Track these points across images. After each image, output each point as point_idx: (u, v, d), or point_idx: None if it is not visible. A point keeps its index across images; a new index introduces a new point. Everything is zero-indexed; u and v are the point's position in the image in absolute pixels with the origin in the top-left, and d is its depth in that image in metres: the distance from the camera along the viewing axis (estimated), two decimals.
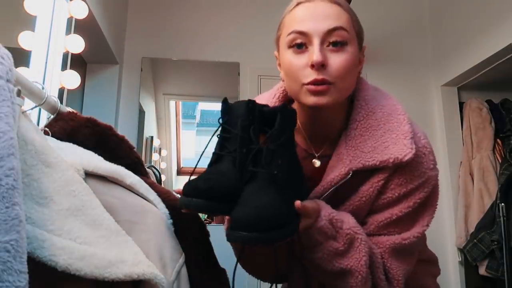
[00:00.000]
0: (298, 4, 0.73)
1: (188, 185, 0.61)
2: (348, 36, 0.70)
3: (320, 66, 0.67)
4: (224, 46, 2.61)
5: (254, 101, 0.67)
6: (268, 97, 0.86)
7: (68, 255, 0.39)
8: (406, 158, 0.68)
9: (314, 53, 0.67)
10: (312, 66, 0.67)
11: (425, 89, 2.72)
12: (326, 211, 0.70)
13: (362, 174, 0.73)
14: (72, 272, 0.39)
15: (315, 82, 0.68)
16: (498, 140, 2.42)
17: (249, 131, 0.64)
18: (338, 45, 0.69)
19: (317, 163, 0.80)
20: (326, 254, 0.69)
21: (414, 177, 0.71)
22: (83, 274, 0.40)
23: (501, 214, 2.04)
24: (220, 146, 0.65)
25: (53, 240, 0.39)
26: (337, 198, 0.75)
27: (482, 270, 2.16)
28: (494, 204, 2.15)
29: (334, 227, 0.69)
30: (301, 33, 0.70)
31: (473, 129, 2.45)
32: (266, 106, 0.70)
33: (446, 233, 2.51)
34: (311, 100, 0.69)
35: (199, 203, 0.58)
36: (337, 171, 0.74)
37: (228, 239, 0.58)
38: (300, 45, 0.70)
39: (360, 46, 0.75)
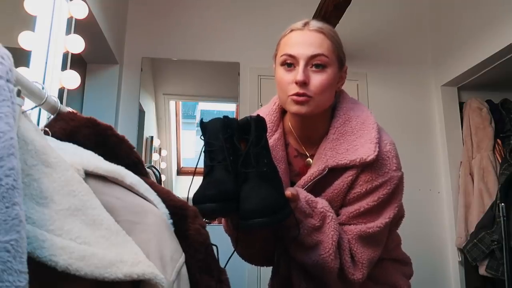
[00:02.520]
0: (291, 30, 0.90)
1: (196, 194, 0.72)
2: (328, 61, 0.86)
3: (302, 83, 0.84)
4: (224, 46, 2.61)
5: (228, 116, 0.80)
6: (268, 106, 1.01)
7: (68, 255, 0.39)
8: (369, 158, 0.84)
9: (299, 73, 0.84)
10: (296, 83, 0.84)
11: (425, 89, 2.72)
12: (303, 194, 0.85)
13: (336, 171, 0.88)
14: (72, 272, 0.39)
15: (297, 94, 0.84)
16: (498, 140, 2.42)
17: (230, 141, 0.77)
18: (319, 67, 0.86)
19: (310, 161, 0.95)
20: (306, 230, 0.84)
21: (378, 176, 0.86)
22: (83, 274, 0.40)
23: (501, 214, 2.04)
24: (209, 159, 0.76)
25: (53, 240, 0.39)
26: (316, 190, 0.90)
27: (482, 270, 2.16)
28: (494, 204, 2.15)
29: (310, 207, 0.84)
30: (291, 56, 0.86)
31: (473, 129, 2.45)
32: (236, 119, 0.83)
33: (446, 233, 2.51)
34: (294, 108, 0.86)
35: (212, 206, 0.70)
36: (316, 168, 0.89)
37: (243, 227, 0.71)
38: (289, 64, 0.87)
39: (340, 67, 0.91)
